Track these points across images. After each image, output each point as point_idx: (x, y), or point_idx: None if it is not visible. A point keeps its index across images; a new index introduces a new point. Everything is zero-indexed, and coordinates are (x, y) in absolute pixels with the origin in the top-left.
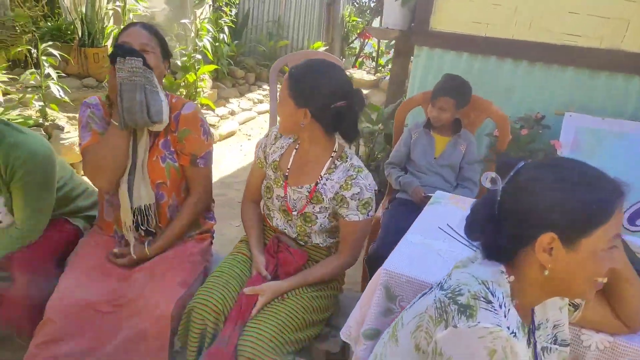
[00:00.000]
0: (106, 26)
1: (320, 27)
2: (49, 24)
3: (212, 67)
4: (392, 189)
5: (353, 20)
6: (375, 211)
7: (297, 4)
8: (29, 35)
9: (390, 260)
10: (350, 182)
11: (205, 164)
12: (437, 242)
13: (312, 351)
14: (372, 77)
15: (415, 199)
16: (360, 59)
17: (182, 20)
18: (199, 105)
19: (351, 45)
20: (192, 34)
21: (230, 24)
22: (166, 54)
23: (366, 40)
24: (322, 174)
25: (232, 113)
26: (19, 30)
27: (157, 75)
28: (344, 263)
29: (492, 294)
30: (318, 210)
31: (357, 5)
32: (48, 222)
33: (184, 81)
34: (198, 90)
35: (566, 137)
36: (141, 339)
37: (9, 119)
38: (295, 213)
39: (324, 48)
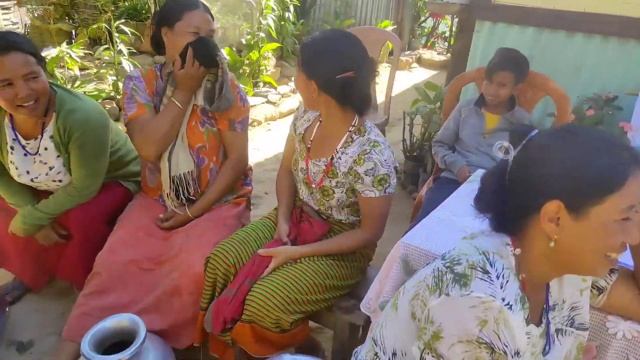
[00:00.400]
0: None
1: (389, 6)
2: (127, 3)
3: (275, 45)
4: (439, 168)
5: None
6: (401, 188)
7: None
8: (108, 14)
9: (412, 233)
10: (363, 157)
11: (242, 128)
12: (465, 219)
13: (336, 323)
14: (442, 58)
15: (461, 178)
16: (432, 39)
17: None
18: (233, 75)
19: (422, 24)
20: (257, 13)
21: (297, 3)
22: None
23: (439, 20)
24: (337, 147)
25: (294, 91)
26: (99, 10)
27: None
28: (363, 238)
29: (491, 265)
30: (335, 184)
31: None
32: (102, 184)
33: (247, 59)
34: (261, 68)
35: (639, 119)
36: (176, 293)
37: (85, 92)
38: (314, 186)
39: (392, 27)
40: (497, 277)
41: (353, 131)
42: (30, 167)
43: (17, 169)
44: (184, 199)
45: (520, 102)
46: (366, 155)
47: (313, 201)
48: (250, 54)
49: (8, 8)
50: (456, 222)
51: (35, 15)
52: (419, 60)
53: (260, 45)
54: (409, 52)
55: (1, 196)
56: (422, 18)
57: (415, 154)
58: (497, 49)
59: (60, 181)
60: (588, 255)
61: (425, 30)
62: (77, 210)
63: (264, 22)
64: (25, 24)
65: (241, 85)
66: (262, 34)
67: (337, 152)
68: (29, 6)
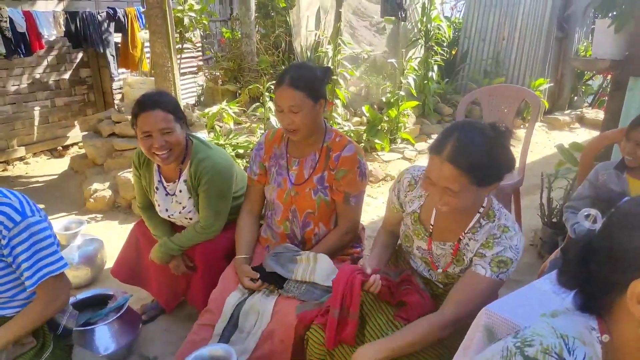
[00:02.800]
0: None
1: (546, 63)
2: (283, 67)
3: (414, 103)
4: (570, 237)
5: (589, 55)
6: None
7: (521, 40)
8: (267, 77)
9: (499, 302)
10: (492, 242)
11: (356, 202)
12: (569, 296)
13: None
14: None
15: None
16: (601, 98)
17: (389, 60)
18: (360, 148)
19: (587, 82)
20: (399, 73)
21: (440, 63)
22: (317, 96)
23: (608, 77)
24: (465, 231)
25: None
26: (260, 74)
27: (313, 117)
28: (442, 321)
29: (570, 352)
30: (459, 271)
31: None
32: (226, 223)
33: (386, 116)
34: (399, 125)
35: None
36: (269, 338)
37: (237, 143)
38: (440, 270)
39: (548, 85)
40: None
41: (483, 213)
42: (169, 205)
43: (159, 206)
44: None
45: None
46: (496, 240)
47: (434, 278)
48: (390, 111)
49: (196, 73)
50: (555, 297)
51: (209, 78)
52: (581, 120)
53: (399, 103)
54: (569, 111)
55: (148, 228)
56: (589, 75)
57: (554, 220)
58: None
59: (191, 219)
60: None
61: (593, 88)
62: (202, 245)
63: (404, 81)
64: (202, 86)
65: (364, 160)
66: (402, 93)
67: (464, 237)
68: (206, 71)
